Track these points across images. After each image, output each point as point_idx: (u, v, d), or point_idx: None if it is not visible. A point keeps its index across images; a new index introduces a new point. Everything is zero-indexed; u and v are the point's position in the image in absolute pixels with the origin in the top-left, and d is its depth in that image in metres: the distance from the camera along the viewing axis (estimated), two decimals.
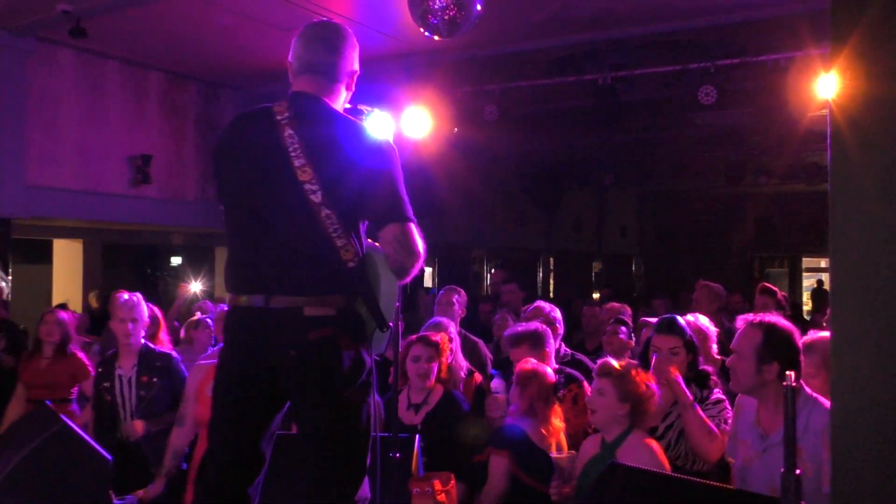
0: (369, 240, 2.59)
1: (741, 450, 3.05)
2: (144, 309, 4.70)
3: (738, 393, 3.13)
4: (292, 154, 2.44)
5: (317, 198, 2.41)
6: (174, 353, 4.79)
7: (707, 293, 6.05)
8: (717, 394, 3.63)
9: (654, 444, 3.32)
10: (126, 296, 4.65)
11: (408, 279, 2.56)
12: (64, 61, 9.05)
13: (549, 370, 3.86)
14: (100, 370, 4.68)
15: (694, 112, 10.22)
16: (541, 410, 3.72)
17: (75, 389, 5.43)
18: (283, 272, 2.45)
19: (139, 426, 4.46)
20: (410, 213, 2.50)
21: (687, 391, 3.44)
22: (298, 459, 2.53)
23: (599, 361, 3.52)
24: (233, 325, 2.56)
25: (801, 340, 3.09)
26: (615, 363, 3.40)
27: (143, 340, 4.64)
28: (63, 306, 7.00)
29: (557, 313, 5.01)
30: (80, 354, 5.54)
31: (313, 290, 2.44)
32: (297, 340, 2.41)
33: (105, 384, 4.58)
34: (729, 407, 3.53)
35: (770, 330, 2.94)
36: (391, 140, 2.63)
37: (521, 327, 4.37)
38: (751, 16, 7.78)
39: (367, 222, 2.56)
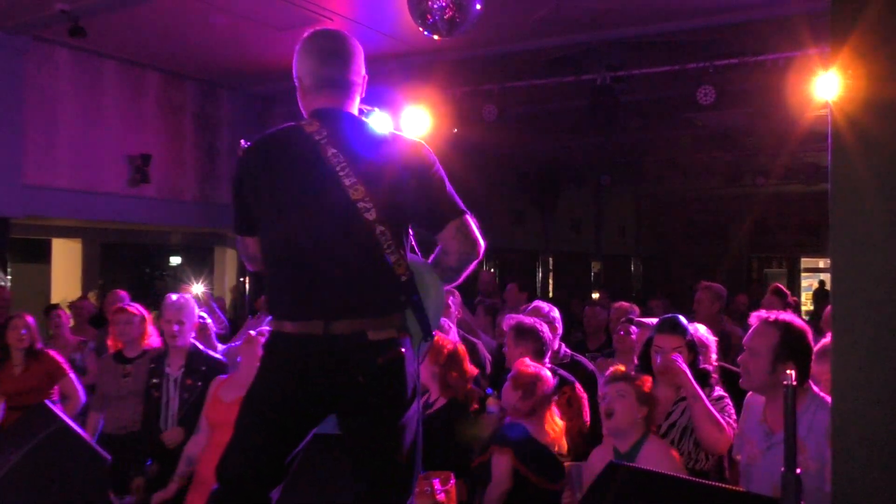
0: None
1: (747, 448, 3.04)
2: (195, 310, 4.67)
3: (749, 390, 3.11)
4: (341, 173, 2.39)
5: (371, 215, 2.37)
6: (223, 359, 4.75)
7: (709, 294, 6.02)
8: (718, 391, 3.62)
9: (674, 452, 3.31)
10: (175, 297, 4.63)
11: (464, 276, 2.54)
12: (61, 60, 9.04)
13: (547, 372, 3.86)
14: (152, 366, 4.66)
15: (692, 112, 10.24)
16: (541, 411, 3.73)
17: (56, 390, 5.33)
18: (341, 294, 2.40)
19: (177, 434, 4.45)
20: (463, 206, 2.51)
21: (694, 382, 3.43)
22: (335, 459, 2.51)
23: (611, 368, 3.52)
24: (281, 351, 2.47)
25: (816, 346, 3.08)
26: (623, 368, 3.43)
27: (192, 341, 4.62)
28: (56, 306, 6.97)
29: (556, 313, 5.00)
30: (51, 352, 5.43)
31: (374, 312, 2.41)
32: (366, 366, 2.38)
33: (154, 380, 4.58)
34: (731, 403, 3.53)
35: (787, 329, 2.92)
36: (424, 142, 2.60)
37: (528, 322, 4.33)
38: (749, 16, 7.79)
39: (411, 233, 2.54)
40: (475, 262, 2.53)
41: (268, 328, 2.62)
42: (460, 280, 2.57)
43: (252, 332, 4.29)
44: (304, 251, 2.43)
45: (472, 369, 4.31)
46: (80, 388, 5.28)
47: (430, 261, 2.56)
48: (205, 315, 5.66)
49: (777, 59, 7.71)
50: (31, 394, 5.14)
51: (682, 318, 3.77)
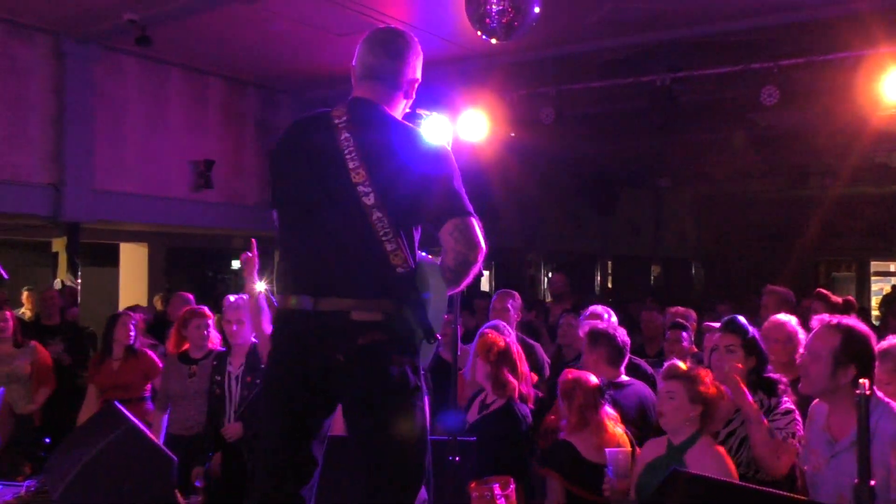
0: (421, 252, 2.57)
1: (812, 458, 2.98)
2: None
3: (809, 395, 3.05)
4: (347, 156, 2.46)
5: (369, 200, 2.41)
6: None
7: (775, 298, 5.84)
8: (787, 403, 3.48)
9: (723, 451, 3.24)
10: (233, 297, 4.74)
11: (468, 279, 2.51)
12: (128, 69, 9.31)
13: (592, 376, 3.80)
14: (214, 363, 4.81)
15: (756, 113, 10.01)
16: (592, 418, 3.65)
17: (148, 387, 5.55)
18: (330, 273, 2.45)
19: (235, 429, 4.57)
20: (470, 208, 2.48)
21: (751, 401, 3.33)
22: (354, 462, 2.52)
23: (666, 364, 3.45)
24: (282, 327, 2.56)
25: (877, 346, 3.00)
26: (682, 364, 3.34)
27: (252, 340, 4.72)
28: (133, 308, 7.18)
29: (614, 317, 4.94)
30: (149, 352, 5.66)
31: (360, 294, 2.43)
32: (346, 345, 2.41)
33: (217, 377, 4.73)
34: (799, 419, 3.39)
35: (848, 332, 2.87)
36: (447, 145, 2.63)
37: (601, 327, 4.27)
38: (816, 14, 7.60)
39: (420, 230, 2.56)
40: (475, 268, 2.48)
41: None
42: (462, 285, 2.53)
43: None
44: (303, 228, 2.53)
45: (526, 370, 4.26)
46: None
47: (439, 262, 2.54)
48: None
49: (846, 57, 7.49)
50: (125, 389, 5.34)
51: (742, 319, 3.68)
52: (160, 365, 5.56)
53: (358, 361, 2.41)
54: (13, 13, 8.03)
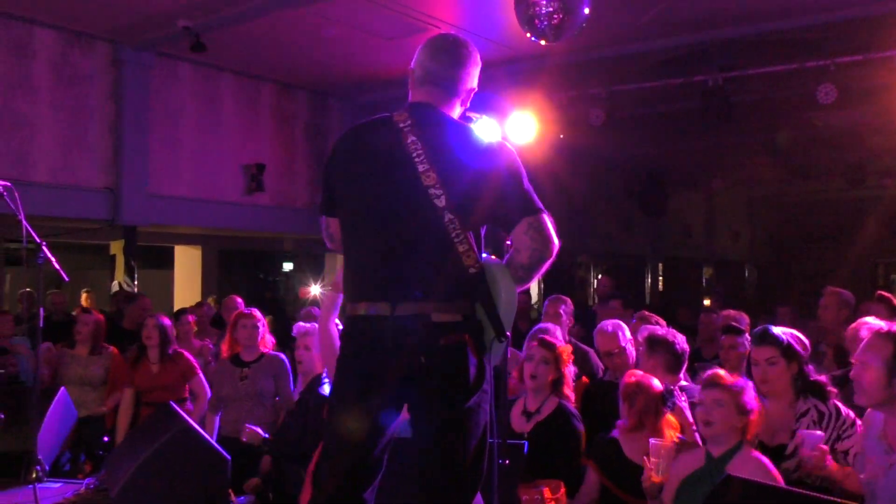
0: (485, 252, 2.58)
1: (868, 466, 2.91)
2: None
3: (864, 406, 2.97)
4: (416, 159, 2.46)
5: (440, 202, 2.42)
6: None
7: (836, 300, 5.69)
8: (845, 411, 3.36)
9: (766, 460, 3.17)
10: (304, 324, 4.76)
11: (538, 276, 2.53)
12: (183, 75, 9.50)
13: (655, 380, 3.74)
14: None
15: (812, 112, 9.82)
16: (650, 423, 3.61)
17: (187, 388, 5.58)
18: (408, 278, 2.45)
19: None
20: (541, 205, 2.50)
21: (835, 470, 3.08)
22: (413, 463, 2.53)
23: (709, 372, 3.37)
24: (356, 334, 2.54)
25: None
26: (725, 374, 3.28)
27: (318, 370, 4.68)
28: (184, 311, 7.29)
29: (628, 332, 4.80)
30: (185, 353, 5.68)
31: (439, 296, 2.44)
32: (428, 347, 2.41)
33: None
34: (858, 423, 3.28)
35: None
36: (507, 143, 2.64)
37: (660, 333, 4.20)
38: (873, 10, 7.42)
39: (485, 229, 2.57)
40: (548, 263, 2.50)
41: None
42: (531, 282, 2.56)
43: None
44: (376, 234, 2.51)
45: (569, 376, 4.22)
46: (207, 388, 5.49)
47: (504, 261, 2.55)
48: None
49: None
50: (165, 391, 5.40)
51: (773, 328, 3.55)
52: (196, 366, 5.59)
53: (440, 362, 2.42)
54: (74, 23, 8.26)
